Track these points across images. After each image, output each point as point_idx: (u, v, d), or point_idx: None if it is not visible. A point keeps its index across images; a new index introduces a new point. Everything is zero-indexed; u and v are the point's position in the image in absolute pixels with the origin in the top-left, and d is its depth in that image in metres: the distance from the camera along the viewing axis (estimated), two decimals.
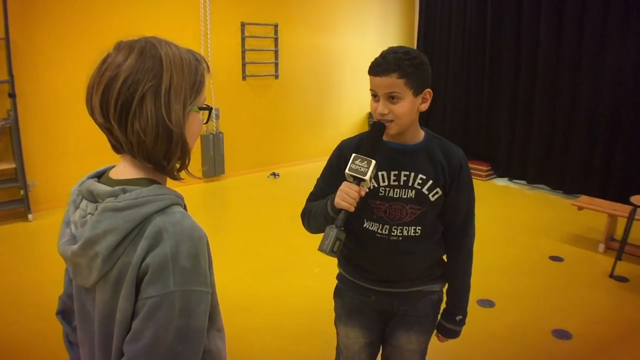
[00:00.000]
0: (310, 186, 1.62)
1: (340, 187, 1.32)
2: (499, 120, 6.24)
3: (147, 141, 0.85)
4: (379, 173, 1.43)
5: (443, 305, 1.63)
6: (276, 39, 6.16)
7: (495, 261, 3.76)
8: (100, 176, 0.94)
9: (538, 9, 5.61)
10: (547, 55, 5.58)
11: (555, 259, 3.90)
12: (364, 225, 1.48)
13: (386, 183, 1.44)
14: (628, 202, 3.70)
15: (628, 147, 5.01)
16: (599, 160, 5.24)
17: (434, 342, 1.66)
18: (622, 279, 3.54)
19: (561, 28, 5.42)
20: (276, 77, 6.30)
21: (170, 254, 0.80)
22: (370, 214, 1.46)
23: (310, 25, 6.49)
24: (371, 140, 1.37)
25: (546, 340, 2.79)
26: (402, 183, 1.44)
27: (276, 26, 6.12)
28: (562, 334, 2.84)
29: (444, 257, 1.60)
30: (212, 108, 0.98)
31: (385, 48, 1.40)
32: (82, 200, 0.91)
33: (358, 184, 1.30)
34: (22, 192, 4.37)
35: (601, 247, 4.01)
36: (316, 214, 1.46)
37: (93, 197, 0.88)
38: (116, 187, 0.86)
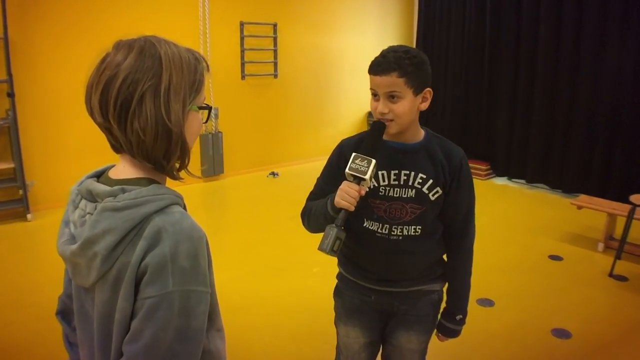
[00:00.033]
0: (309, 185, 1.62)
1: (340, 187, 1.32)
2: (498, 120, 6.24)
3: (146, 141, 0.84)
4: (379, 172, 1.43)
5: (443, 305, 1.63)
6: (275, 39, 6.16)
7: (494, 260, 3.76)
8: (100, 176, 0.94)
9: (537, 9, 5.61)
10: (546, 54, 5.58)
11: (555, 258, 3.90)
12: (364, 225, 1.48)
13: (386, 182, 1.44)
14: (627, 201, 3.70)
15: (627, 147, 5.01)
16: (598, 159, 5.25)
17: (434, 342, 1.66)
18: (621, 278, 3.54)
19: (561, 27, 5.42)
20: (275, 76, 6.29)
21: (169, 254, 0.80)
22: (371, 213, 1.46)
23: (310, 25, 6.49)
24: (371, 140, 1.37)
25: (546, 339, 2.79)
26: (402, 182, 1.44)
27: (275, 25, 6.12)
28: (561, 333, 2.84)
29: (444, 256, 1.60)
30: (211, 107, 0.97)
31: (384, 48, 1.40)
32: (81, 199, 0.91)
33: (358, 183, 1.30)
34: (21, 191, 4.37)
35: (600, 246, 4.01)
36: (316, 213, 1.46)
37: (92, 197, 0.88)
38: (115, 187, 0.86)
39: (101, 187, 0.87)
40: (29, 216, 4.43)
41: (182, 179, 0.95)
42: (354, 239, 1.48)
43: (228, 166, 5.97)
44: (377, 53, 1.39)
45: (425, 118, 6.75)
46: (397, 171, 1.43)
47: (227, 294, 2.50)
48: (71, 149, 4.72)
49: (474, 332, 2.51)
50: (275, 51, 6.20)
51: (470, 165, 1.53)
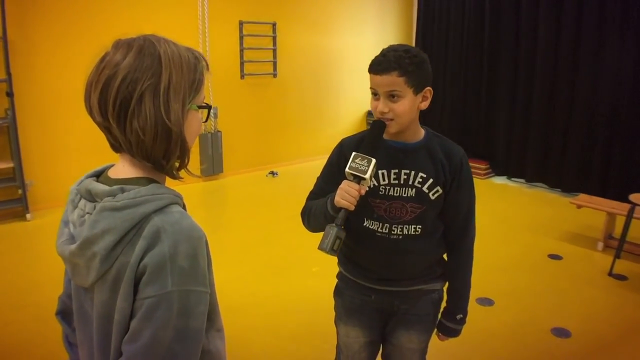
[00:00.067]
0: (308, 185, 1.61)
1: (341, 186, 1.32)
2: (497, 119, 6.24)
3: (146, 140, 0.84)
4: (379, 171, 1.42)
5: (443, 304, 1.63)
6: (274, 38, 6.15)
7: (494, 260, 3.77)
8: (99, 175, 0.94)
9: (536, 8, 5.61)
10: (545, 54, 5.58)
11: (554, 257, 3.91)
12: (364, 224, 1.47)
13: (386, 181, 1.44)
14: (627, 201, 3.70)
15: (627, 146, 5.01)
16: (598, 158, 5.25)
17: (434, 341, 1.66)
18: (620, 277, 3.54)
19: (560, 27, 5.42)
20: (274, 75, 6.29)
21: (168, 254, 0.80)
22: (371, 212, 1.46)
23: (309, 24, 6.48)
24: (371, 139, 1.37)
25: (545, 338, 2.79)
26: (402, 181, 1.43)
27: (274, 25, 6.11)
28: (561, 332, 2.84)
29: (444, 255, 1.60)
30: (211, 106, 0.97)
31: (383, 47, 1.39)
32: (80, 199, 0.90)
33: (358, 183, 1.30)
34: (20, 191, 4.36)
35: (600, 245, 4.01)
36: (316, 212, 1.46)
37: (91, 197, 0.87)
38: (114, 187, 0.85)
39: (100, 187, 0.87)
40: (28, 216, 4.43)
41: (181, 178, 0.94)
42: (354, 238, 1.48)
43: (227, 165, 5.97)
44: (377, 52, 1.38)
45: (424, 117, 6.74)
46: (397, 170, 1.43)
47: (226, 294, 2.50)
48: (70, 149, 4.71)
49: (474, 331, 2.50)
50: (274, 50, 6.19)
51: (470, 164, 1.52)
